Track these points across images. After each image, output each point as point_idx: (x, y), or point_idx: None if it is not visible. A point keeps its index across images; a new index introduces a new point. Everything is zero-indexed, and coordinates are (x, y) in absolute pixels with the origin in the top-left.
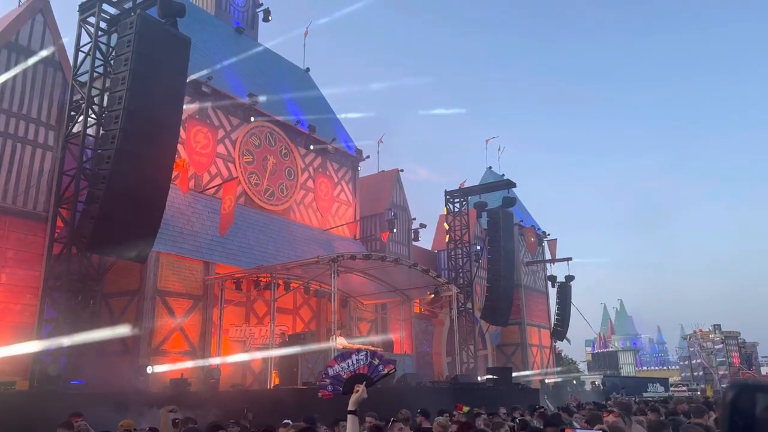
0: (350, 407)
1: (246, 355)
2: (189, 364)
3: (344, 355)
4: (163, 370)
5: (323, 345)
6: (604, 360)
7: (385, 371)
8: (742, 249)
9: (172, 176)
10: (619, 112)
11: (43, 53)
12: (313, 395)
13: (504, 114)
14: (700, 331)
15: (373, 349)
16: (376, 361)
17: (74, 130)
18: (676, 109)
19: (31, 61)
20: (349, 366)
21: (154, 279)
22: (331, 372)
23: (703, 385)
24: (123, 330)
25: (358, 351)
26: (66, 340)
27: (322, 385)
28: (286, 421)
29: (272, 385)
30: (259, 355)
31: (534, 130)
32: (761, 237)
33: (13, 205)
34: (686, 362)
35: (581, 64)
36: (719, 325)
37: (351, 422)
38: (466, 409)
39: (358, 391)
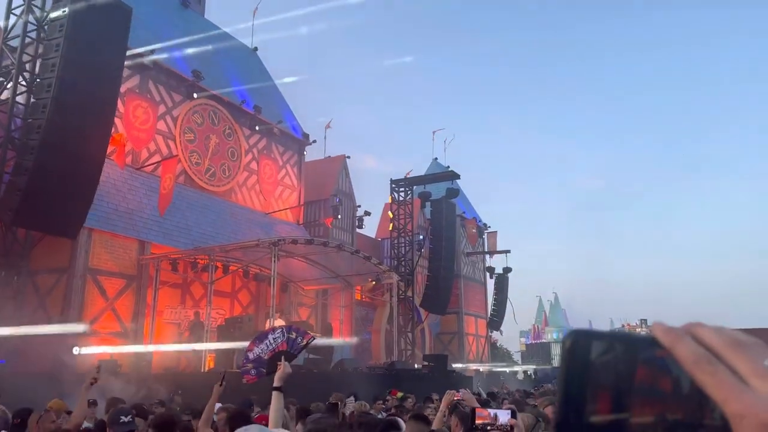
0: (276, 383)
1: (182, 346)
2: (124, 348)
3: (260, 336)
4: (92, 352)
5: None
6: (537, 351)
7: (304, 342)
8: (673, 247)
9: (108, 151)
10: (565, 108)
11: None
12: None
13: (451, 103)
14: (628, 325)
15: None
16: (293, 335)
17: (2, 96)
18: (622, 105)
19: None
20: (268, 346)
21: (85, 257)
22: (251, 356)
23: None
24: (75, 327)
25: (273, 329)
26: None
27: (244, 371)
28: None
29: (207, 368)
30: (199, 346)
31: (482, 122)
32: (695, 236)
33: None
34: None
35: (531, 54)
36: (646, 320)
37: (276, 399)
38: (400, 394)
39: (280, 368)
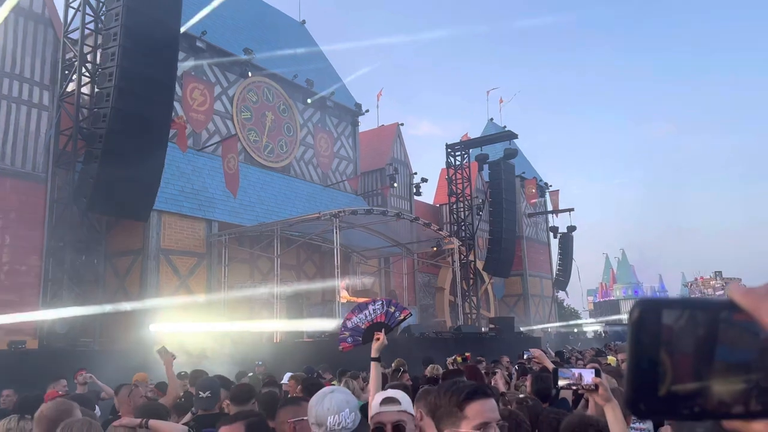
0: (373, 354)
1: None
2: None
3: (361, 306)
4: (168, 328)
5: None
6: (605, 309)
7: (402, 317)
8: (747, 193)
9: (170, 135)
10: (626, 58)
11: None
12: (317, 347)
13: (507, 60)
14: (701, 278)
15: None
16: (392, 309)
17: (68, 88)
18: (687, 55)
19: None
20: (366, 316)
21: (157, 238)
22: (349, 324)
23: None
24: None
25: (374, 301)
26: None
27: (341, 338)
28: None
29: (278, 339)
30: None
31: (538, 76)
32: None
33: (12, 166)
34: None
35: (591, 6)
36: (720, 272)
37: (375, 368)
38: (458, 359)
39: (379, 339)
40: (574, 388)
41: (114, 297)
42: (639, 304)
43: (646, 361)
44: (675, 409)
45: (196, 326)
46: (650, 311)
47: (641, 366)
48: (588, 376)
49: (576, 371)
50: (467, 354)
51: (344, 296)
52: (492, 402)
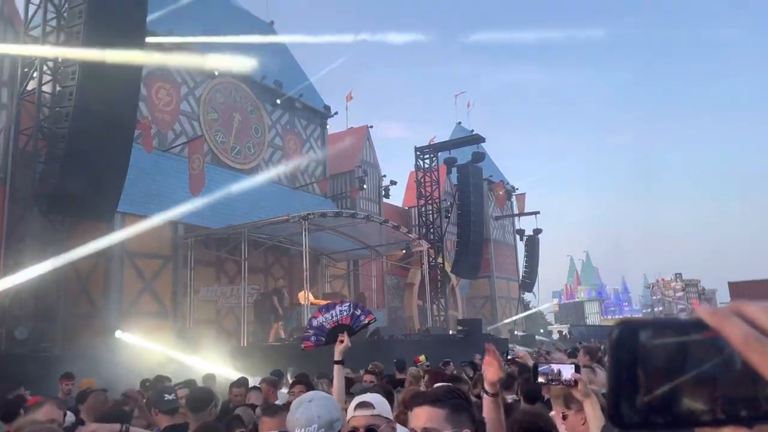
0: (337, 357)
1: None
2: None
3: (329, 306)
4: (133, 333)
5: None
6: (570, 310)
7: (366, 321)
8: (709, 197)
9: (135, 135)
10: (593, 63)
11: None
12: (285, 351)
13: (473, 64)
14: (662, 279)
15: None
16: (358, 312)
17: (29, 87)
18: (651, 63)
19: None
20: (332, 316)
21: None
22: (315, 323)
23: None
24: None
25: (342, 302)
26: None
27: (305, 337)
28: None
29: (245, 342)
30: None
31: (506, 81)
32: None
33: None
34: (649, 310)
35: (556, 10)
36: (680, 274)
37: (338, 372)
38: (422, 358)
39: (342, 341)
40: (554, 384)
41: (77, 300)
42: (618, 326)
43: (625, 376)
44: (652, 420)
45: (161, 348)
46: (628, 331)
47: (621, 381)
48: (567, 371)
49: (555, 367)
50: (417, 357)
51: (312, 300)
52: (422, 411)
